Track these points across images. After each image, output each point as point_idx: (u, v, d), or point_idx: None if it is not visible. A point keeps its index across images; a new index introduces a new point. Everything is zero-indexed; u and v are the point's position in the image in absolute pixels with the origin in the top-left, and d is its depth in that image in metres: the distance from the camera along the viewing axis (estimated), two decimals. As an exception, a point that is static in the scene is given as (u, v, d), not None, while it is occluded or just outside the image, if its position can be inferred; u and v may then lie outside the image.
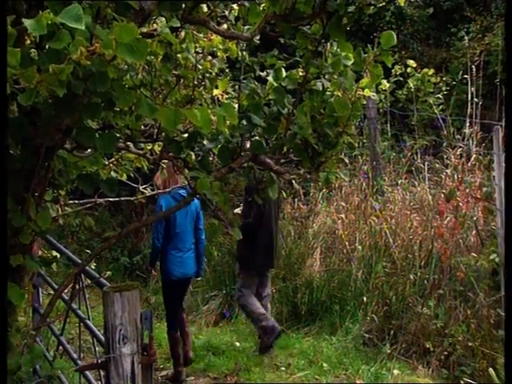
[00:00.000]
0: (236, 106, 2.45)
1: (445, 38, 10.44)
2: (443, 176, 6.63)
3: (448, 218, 5.96)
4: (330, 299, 6.22)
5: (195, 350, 5.72)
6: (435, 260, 5.72)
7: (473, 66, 7.34)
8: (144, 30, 2.19)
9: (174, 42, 2.26)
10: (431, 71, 8.57)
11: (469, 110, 7.08)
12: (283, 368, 5.42)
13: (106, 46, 1.61)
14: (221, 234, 7.17)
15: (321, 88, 2.37)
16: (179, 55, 2.49)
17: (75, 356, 3.11)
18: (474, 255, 5.44)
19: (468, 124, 7.01)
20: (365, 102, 2.45)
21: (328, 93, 2.40)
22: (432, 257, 5.76)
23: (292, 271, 6.53)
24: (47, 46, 1.65)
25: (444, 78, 8.88)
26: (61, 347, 3.18)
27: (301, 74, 2.40)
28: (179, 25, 2.18)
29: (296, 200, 7.37)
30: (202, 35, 2.77)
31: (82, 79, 1.72)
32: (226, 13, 2.56)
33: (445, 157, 6.90)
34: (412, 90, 8.34)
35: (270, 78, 2.45)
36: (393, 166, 7.51)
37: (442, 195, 6.19)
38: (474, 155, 6.62)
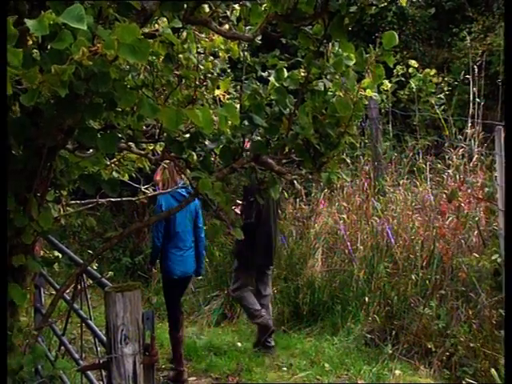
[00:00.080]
0: (238, 106, 2.45)
1: (447, 38, 10.43)
2: (445, 176, 6.63)
3: (450, 219, 5.95)
4: (331, 299, 6.21)
5: (197, 350, 5.72)
6: (437, 260, 5.71)
7: (475, 66, 7.34)
8: (146, 30, 2.19)
9: (175, 43, 2.27)
10: (433, 71, 8.56)
11: (471, 111, 7.07)
12: (285, 368, 5.42)
13: (107, 46, 1.61)
14: (222, 235, 7.17)
15: (322, 88, 2.37)
16: (181, 55, 2.49)
17: (77, 356, 3.11)
18: (476, 255, 5.44)
19: (470, 124, 7.00)
20: (366, 103, 2.45)
21: (330, 93, 2.40)
22: (434, 257, 5.76)
23: (294, 271, 6.53)
24: (49, 47, 1.65)
25: (446, 79, 8.88)
26: (63, 347, 3.18)
27: (302, 74, 2.40)
28: (181, 25, 2.18)
29: (298, 200, 7.37)
30: (203, 35, 2.77)
31: (84, 79, 1.72)
32: (228, 13, 2.56)
33: (447, 157, 6.90)
34: (414, 90, 8.33)
35: (271, 79, 2.45)
36: (394, 167, 7.50)
37: (444, 195, 6.18)
38: (476, 155, 6.61)
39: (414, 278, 5.68)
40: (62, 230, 7.36)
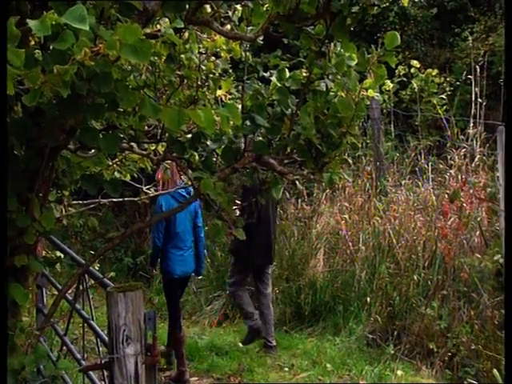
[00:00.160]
0: (239, 106, 2.45)
1: (449, 39, 10.42)
2: (447, 176, 6.62)
3: (452, 219, 5.95)
4: (333, 300, 6.21)
5: (199, 351, 5.72)
6: (439, 261, 5.71)
7: (477, 67, 7.32)
8: (148, 30, 2.19)
9: (177, 43, 2.27)
10: (435, 71, 8.56)
11: (473, 111, 7.06)
12: (286, 368, 5.43)
13: (109, 46, 1.62)
14: (224, 235, 7.17)
15: (324, 88, 2.36)
16: (183, 56, 2.49)
17: (79, 356, 3.12)
18: (478, 256, 5.43)
19: (472, 124, 6.99)
20: (368, 103, 2.45)
21: (332, 93, 2.39)
22: (436, 257, 5.75)
23: (295, 272, 6.53)
24: (51, 47, 1.65)
25: (448, 79, 8.87)
26: (64, 347, 3.19)
27: (304, 74, 2.39)
28: (183, 25, 2.18)
29: (299, 200, 7.37)
30: (205, 36, 2.77)
31: (86, 80, 1.72)
32: (230, 13, 2.56)
33: (449, 157, 6.89)
34: (416, 90, 8.32)
35: (273, 79, 2.45)
36: (396, 167, 7.50)
37: (446, 196, 6.18)
38: (478, 156, 6.61)
39: (415, 278, 5.67)
40: (64, 230, 7.36)
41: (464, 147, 6.76)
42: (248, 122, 2.35)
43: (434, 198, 6.46)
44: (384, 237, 6.29)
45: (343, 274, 6.38)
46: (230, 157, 2.40)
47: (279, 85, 2.41)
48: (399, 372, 5.13)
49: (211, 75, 2.79)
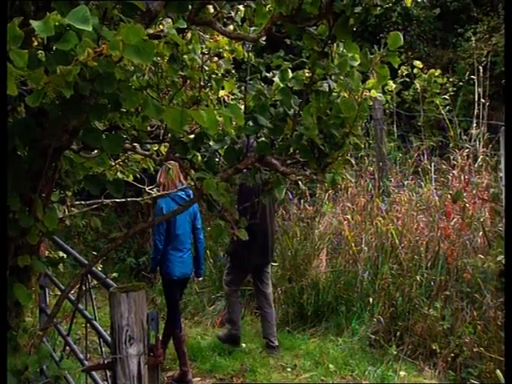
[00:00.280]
0: (242, 106, 2.45)
1: (451, 39, 10.40)
2: (450, 177, 6.62)
3: (455, 219, 5.94)
4: (336, 300, 6.21)
5: (201, 351, 5.72)
6: (442, 261, 5.70)
7: (480, 67, 7.32)
8: (151, 31, 2.19)
9: (180, 43, 2.27)
10: (438, 72, 8.55)
11: (476, 111, 7.06)
12: (289, 369, 5.42)
13: (112, 47, 1.62)
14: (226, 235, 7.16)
15: (327, 89, 2.36)
16: (185, 56, 2.49)
17: (82, 356, 3.12)
18: (481, 256, 5.42)
19: (475, 125, 6.98)
20: (371, 103, 2.44)
21: (334, 94, 2.39)
22: (438, 258, 5.75)
23: (298, 272, 6.53)
24: (54, 48, 1.65)
25: (451, 79, 8.86)
26: (67, 347, 3.19)
27: (307, 74, 2.39)
28: (186, 26, 2.18)
29: (302, 201, 7.37)
30: (208, 36, 2.77)
31: (89, 80, 1.73)
32: (232, 14, 2.56)
33: (451, 158, 6.88)
34: (418, 90, 8.32)
35: (276, 79, 2.45)
36: (399, 167, 7.50)
37: (449, 196, 6.17)
38: (481, 156, 6.60)
39: (418, 278, 5.67)
40: (66, 230, 7.36)
41: (467, 148, 6.76)
42: (251, 123, 2.35)
43: (436, 198, 6.45)
44: (387, 237, 6.28)
45: (346, 275, 6.37)
46: (233, 157, 2.40)
47: (282, 85, 2.41)
48: (402, 373, 5.12)
49: (214, 76, 2.79)
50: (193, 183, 2.45)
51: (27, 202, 2.21)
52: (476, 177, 6.31)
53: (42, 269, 2.51)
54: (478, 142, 6.79)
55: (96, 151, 2.54)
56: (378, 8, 2.28)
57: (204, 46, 2.77)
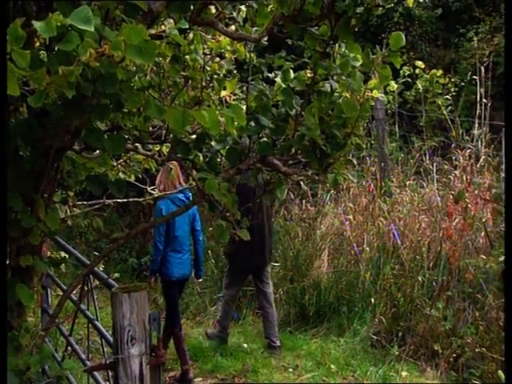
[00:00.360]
0: (244, 107, 2.45)
1: (453, 39, 10.40)
2: (452, 177, 6.61)
3: (457, 220, 5.93)
4: (337, 301, 6.20)
5: (203, 351, 5.72)
6: (444, 262, 5.69)
7: (482, 67, 7.31)
8: (152, 31, 2.19)
9: (182, 44, 2.27)
10: (440, 72, 8.54)
11: (477, 111, 7.05)
12: (291, 369, 5.42)
13: (114, 47, 1.62)
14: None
15: (329, 89, 2.36)
16: (187, 57, 2.49)
17: (84, 356, 3.12)
18: (483, 257, 5.42)
19: (477, 125, 6.98)
20: (373, 103, 2.44)
21: (336, 94, 2.39)
22: (440, 258, 5.74)
23: (300, 272, 6.52)
24: (56, 48, 1.66)
25: (453, 79, 8.85)
26: (69, 348, 3.19)
27: (309, 75, 2.39)
28: (187, 26, 2.19)
29: (304, 201, 7.36)
30: (210, 37, 2.77)
31: (91, 81, 1.73)
32: (234, 14, 2.56)
33: (453, 158, 6.88)
34: (420, 91, 8.31)
35: (277, 80, 2.45)
36: (401, 168, 7.49)
37: (451, 196, 6.16)
38: (483, 156, 6.59)
39: (420, 279, 5.66)
40: (68, 230, 7.38)
41: (469, 148, 6.75)
42: (252, 123, 2.35)
43: (438, 198, 6.44)
44: (388, 237, 6.28)
45: (348, 275, 6.37)
46: (235, 157, 2.40)
47: (284, 85, 2.41)
48: (404, 373, 5.12)
49: (216, 76, 2.79)
50: (194, 183, 2.45)
51: (29, 202, 2.21)
52: (478, 177, 6.30)
53: (44, 269, 2.51)
54: (479, 143, 6.79)
55: (98, 151, 2.55)
56: (380, 8, 2.28)
57: (206, 47, 2.77)
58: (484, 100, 7.04)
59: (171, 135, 2.55)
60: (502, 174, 5.40)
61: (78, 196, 3.88)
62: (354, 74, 2.35)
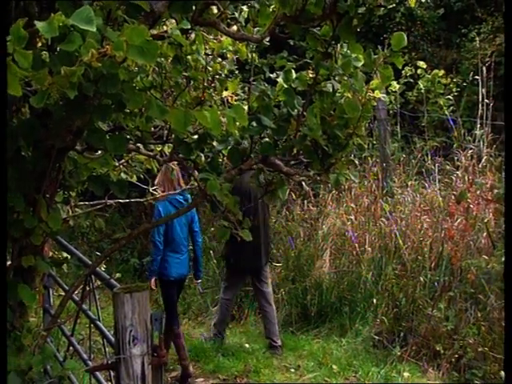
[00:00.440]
0: (246, 107, 2.45)
1: (455, 39, 10.38)
2: (454, 178, 6.60)
3: (459, 220, 5.93)
4: (339, 301, 6.20)
5: (205, 352, 5.72)
6: (445, 262, 5.69)
7: (484, 67, 7.30)
8: (154, 31, 2.19)
9: (184, 44, 2.27)
10: (441, 72, 8.53)
11: (479, 112, 7.04)
12: (293, 370, 5.42)
13: (116, 47, 1.62)
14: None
15: (331, 89, 2.36)
16: (189, 57, 2.50)
17: (85, 357, 3.12)
18: (485, 257, 5.41)
19: (479, 125, 6.97)
20: (375, 104, 2.44)
21: (338, 94, 2.39)
22: (442, 259, 5.73)
23: (301, 273, 6.52)
24: (58, 49, 1.66)
25: (454, 79, 8.84)
26: (71, 348, 3.19)
27: (311, 75, 2.39)
28: (189, 27, 2.19)
29: (305, 202, 7.36)
30: (211, 37, 2.77)
31: (93, 81, 1.73)
32: (236, 14, 2.56)
33: (455, 158, 6.87)
34: (422, 91, 8.30)
35: (279, 80, 2.45)
36: (403, 168, 7.48)
37: (453, 197, 6.16)
38: (485, 157, 6.58)
39: (422, 279, 5.65)
40: (70, 231, 7.38)
41: (471, 148, 6.74)
42: (254, 123, 2.35)
43: (440, 199, 6.43)
44: (390, 238, 6.27)
45: (349, 275, 6.36)
46: (237, 158, 2.40)
47: (285, 86, 2.41)
48: (406, 374, 5.11)
49: (218, 76, 2.80)
50: (196, 184, 2.45)
51: (31, 202, 2.21)
52: (480, 177, 6.29)
53: (46, 269, 2.52)
54: (481, 143, 6.78)
55: (100, 152, 2.55)
56: (382, 8, 2.28)
57: (208, 47, 2.77)
58: (486, 100, 7.03)
59: (173, 135, 2.55)
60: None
61: (80, 196, 3.88)
62: (356, 74, 2.35)
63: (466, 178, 6.37)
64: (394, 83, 2.61)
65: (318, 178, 2.47)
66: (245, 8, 2.59)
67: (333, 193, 7.23)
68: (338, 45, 2.36)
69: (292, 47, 7.24)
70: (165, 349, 5.00)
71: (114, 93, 1.80)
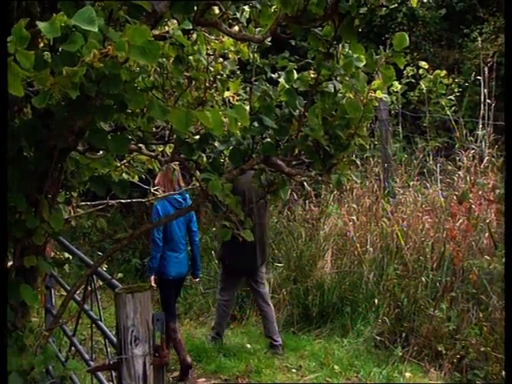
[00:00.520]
0: (247, 107, 2.45)
1: (457, 39, 10.37)
2: (456, 178, 6.59)
3: (460, 220, 5.92)
4: (341, 301, 6.20)
5: (206, 352, 5.72)
6: (447, 262, 5.68)
7: (486, 68, 7.29)
8: (156, 32, 2.20)
9: (185, 44, 2.27)
10: (443, 72, 8.52)
11: (481, 112, 7.03)
12: (294, 370, 5.42)
13: (118, 48, 1.62)
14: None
15: (332, 90, 2.36)
16: (191, 57, 2.49)
17: (87, 357, 3.13)
18: (487, 258, 5.41)
19: (481, 126, 6.96)
20: (376, 104, 2.44)
21: (340, 95, 2.39)
22: (444, 259, 5.73)
23: (303, 273, 6.52)
24: (60, 49, 1.66)
25: (456, 80, 8.83)
26: (73, 348, 3.20)
27: (312, 75, 2.39)
28: (191, 27, 2.19)
29: (307, 202, 7.36)
30: (213, 37, 2.77)
31: (95, 81, 1.73)
32: (238, 15, 2.56)
33: (457, 159, 6.86)
34: (424, 91, 8.29)
35: (281, 80, 2.45)
36: (404, 168, 7.48)
37: (455, 197, 6.15)
38: (487, 157, 6.57)
39: (424, 280, 5.65)
40: (72, 231, 7.39)
41: (473, 148, 6.73)
42: (256, 124, 2.35)
43: (442, 199, 6.43)
44: (392, 238, 6.27)
45: (351, 276, 6.36)
46: (238, 158, 2.41)
47: (287, 86, 2.41)
48: (407, 374, 5.11)
49: (219, 76, 2.79)
50: (198, 184, 2.45)
51: (33, 202, 2.22)
52: (482, 178, 6.28)
53: (48, 269, 2.52)
54: (483, 143, 6.77)
55: (102, 152, 2.55)
56: (384, 9, 2.28)
57: (209, 47, 2.77)
58: (488, 100, 7.02)
59: (175, 136, 2.55)
60: (506, 175, 5.38)
61: (82, 196, 3.88)
62: (358, 74, 2.35)
63: (468, 178, 6.36)
64: (396, 83, 2.61)
65: (320, 179, 2.47)
66: (246, 8, 2.59)
67: (334, 193, 7.23)
68: (340, 45, 2.36)
69: (294, 47, 7.23)
70: (166, 349, 5.00)
71: (115, 93, 1.80)
